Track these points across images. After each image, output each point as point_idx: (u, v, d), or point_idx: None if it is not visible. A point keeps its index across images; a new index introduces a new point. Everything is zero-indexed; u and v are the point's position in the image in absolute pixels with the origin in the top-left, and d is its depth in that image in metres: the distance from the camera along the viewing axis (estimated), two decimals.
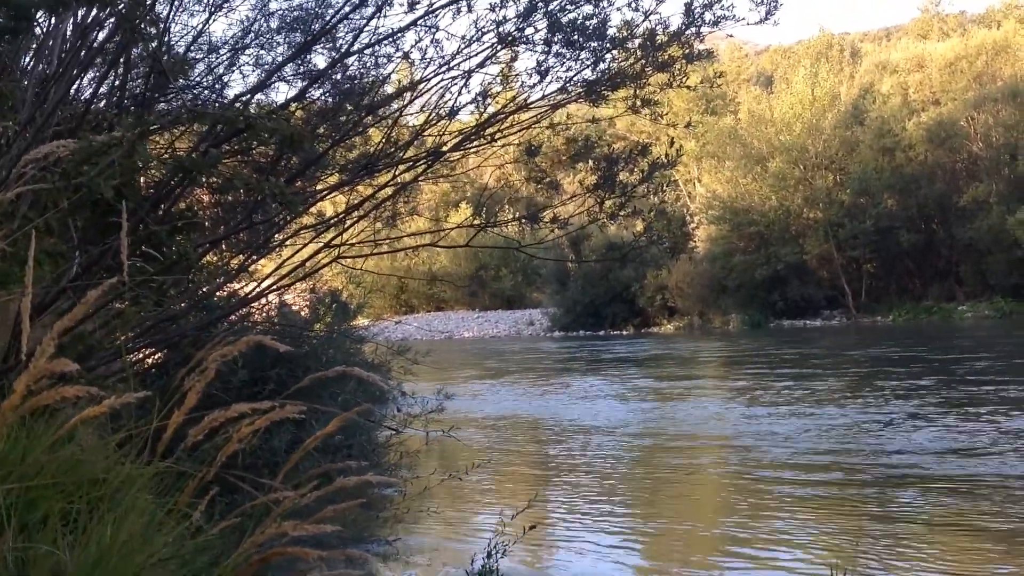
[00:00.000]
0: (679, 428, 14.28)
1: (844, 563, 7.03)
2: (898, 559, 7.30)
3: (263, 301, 6.33)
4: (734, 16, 5.61)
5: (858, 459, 11.03)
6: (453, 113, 5.54)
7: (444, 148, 5.81)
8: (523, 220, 5.90)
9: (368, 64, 5.93)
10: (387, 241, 7.28)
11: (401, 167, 6.03)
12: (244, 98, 5.26)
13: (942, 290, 36.81)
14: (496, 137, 5.93)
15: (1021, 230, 31.92)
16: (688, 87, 5.72)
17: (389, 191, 6.14)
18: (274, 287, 5.82)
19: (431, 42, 5.44)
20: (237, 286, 6.22)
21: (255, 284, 6.31)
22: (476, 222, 6.05)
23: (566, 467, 12.16)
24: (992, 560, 7.22)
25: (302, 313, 7.83)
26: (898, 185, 37.24)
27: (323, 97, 6.01)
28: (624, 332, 40.76)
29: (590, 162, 5.62)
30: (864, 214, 37.06)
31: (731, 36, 6.07)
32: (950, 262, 37.60)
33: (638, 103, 5.83)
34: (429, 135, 6.10)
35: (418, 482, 7.09)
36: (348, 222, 5.89)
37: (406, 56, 5.50)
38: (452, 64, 5.65)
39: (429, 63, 5.73)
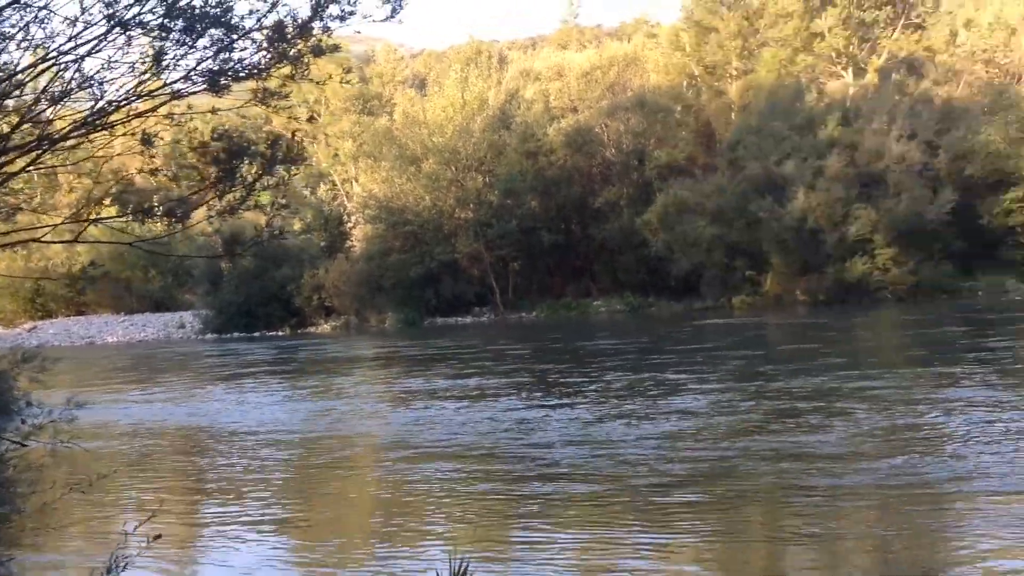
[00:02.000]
0: (331, 428, 14.41)
1: (486, 551, 7.51)
2: (529, 548, 7.91)
3: None
4: (357, 12, 5.85)
5: (505, 450, 11.74)
6: (61, 97, 5.29)
7: (57, 135, 5.53)
8: (135, 215, 5.73)
9: None
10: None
11: (12, 154, 5.66)
12: None
13: (579, 287, 39.96)
14: (115, 125, 5.74)
15: (647, 229, 35.49)
16: (315, 80, 5.88)
17: None
18: None
19: (35, 21, 5.17)
20: None
21: None
22: (91, 217, 5.80)
23: (208, 474, 11.89)
24: (615, 527, 8.08)
25: None
26: (540, 187, 39.71)
27: None
28: (280, 333, 40.18)
29: (209, 156, 5.60)
30: (510, 215, 39.19)
31: (359, 32, 6.28)
32: (586, 261, 40.85)
33: (266, 95, 5.90)
34: (47, 120, 5.77)
35: (39, 497, 6.69)
36: None
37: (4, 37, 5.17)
38: (62, 48, 5.41)
39: (37, 46, 5.44)
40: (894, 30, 41.31)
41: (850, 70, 41.81)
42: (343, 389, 19.30)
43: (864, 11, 40.84)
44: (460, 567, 5.04)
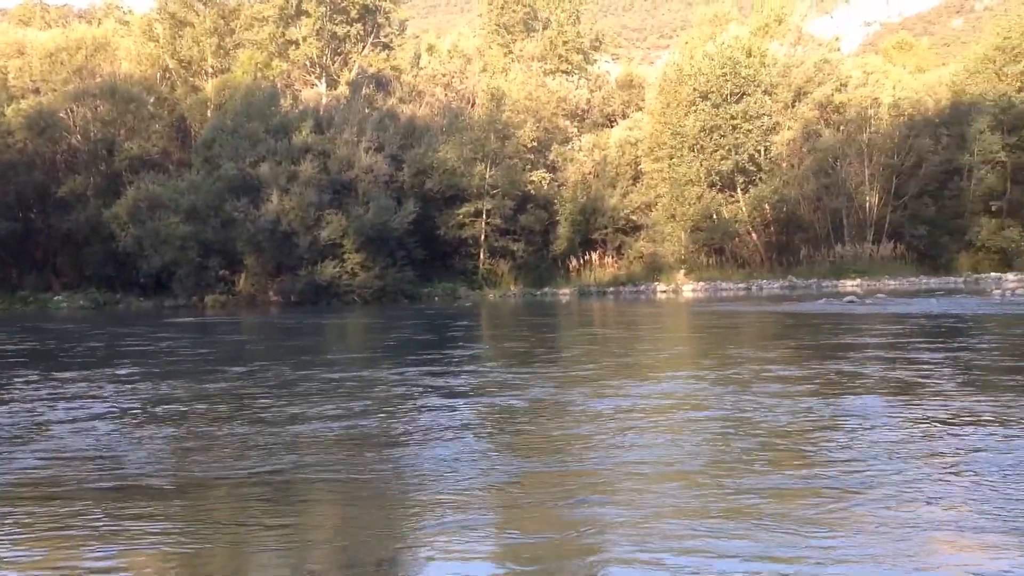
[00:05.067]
0: None
1: None
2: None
3: None
4: None
5: None
6: None
7: None
8: None
9: None
10: None
11: None
12: None
13: (39, 280, 37.42)
14: None
15: (116, 223, 34.37)
16: None
17: None
18: None
19: None
20: None
21: None
22: None
23: None
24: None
25: None
26: None
27: None
28: None
29: None
30: None
31: None
32: (48, 252, 38.38)
33: None
34: None
35: None
36: None
37: None
38: None
39: None
40: (364, 47, 44.66)
41: (323, 80, 44.35)
42: None
43: (336, 25, 43.64)
44: None
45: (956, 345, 10.92)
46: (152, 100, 40.75)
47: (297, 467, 5.11)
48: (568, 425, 6.16)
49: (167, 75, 43.52)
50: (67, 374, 10.23)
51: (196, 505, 4.37)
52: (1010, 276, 35.13)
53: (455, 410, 6.81)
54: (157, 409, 7.41)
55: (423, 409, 6.98)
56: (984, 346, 10.82)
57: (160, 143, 39.37)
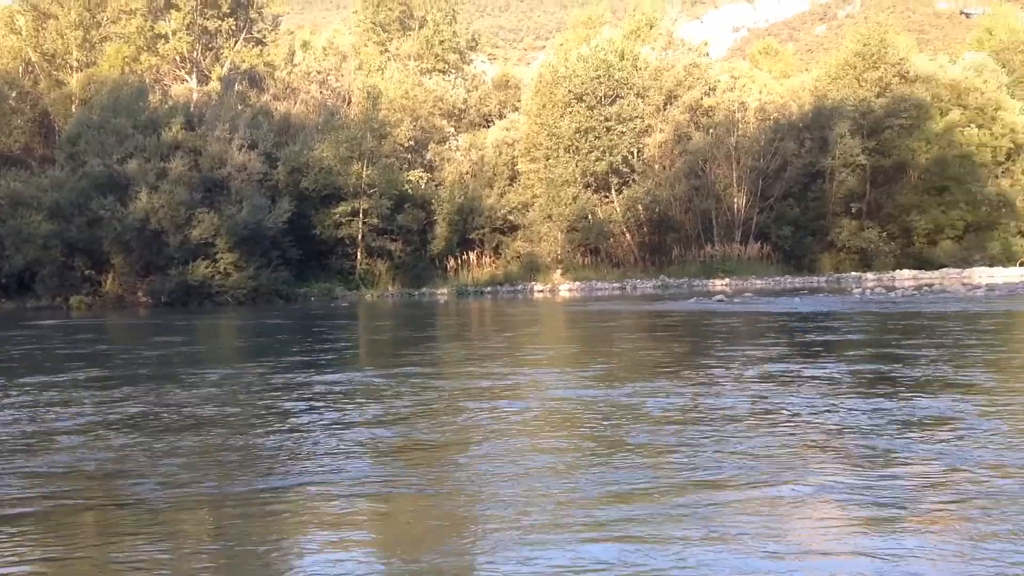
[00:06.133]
0: None
1: None
2: None
3: None
4: None
5: None
6: None
7: None
8: None
9: None
10: None
11: None
12: None
13: None
14: None
15: None
16: None
17: None
18: None
19: None
20: None
21: None
22: None
23: None
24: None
25: None
26: None
27: None
28: None
29: None
30: None
31: None
32: None
33: None
34: None
35: None
36: None
37: None
38: None
39: None
40: (237, 42, 44.08)
41: (194, 75, 43.61)
42: None
43: (207, 19, 42.97)
44: None
45: (797, 340, 11.79)
46: (14, 95, 39.45)
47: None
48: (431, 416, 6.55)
49: (30, 69, 42.13)
50: None
51: None
52: (869, 275, 37.18)
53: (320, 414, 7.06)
54: None
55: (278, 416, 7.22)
56: (831, 338, 11.72)
57: (22, 139, 38.19)
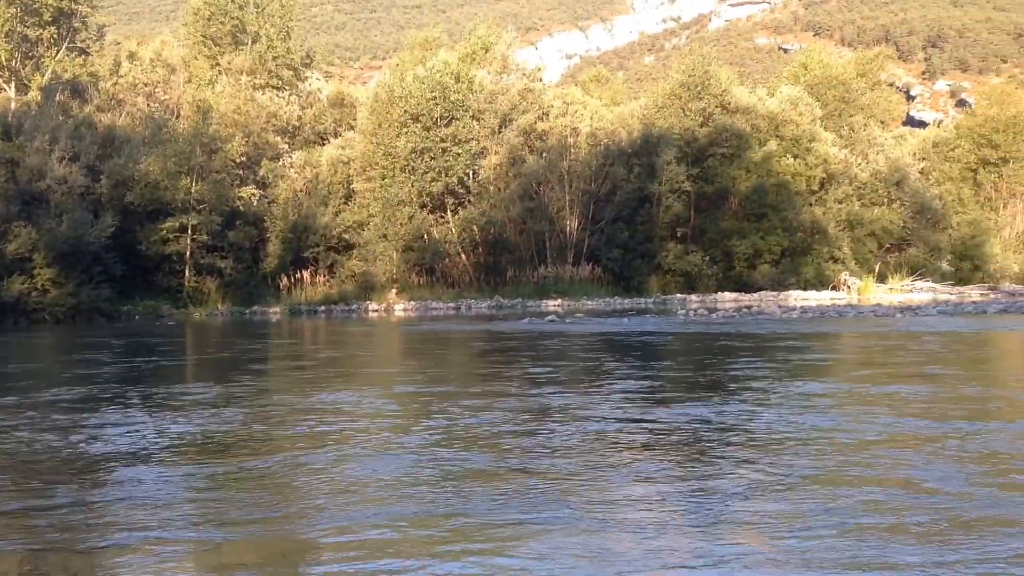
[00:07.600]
0: None
1: None
2: None
3: None
4: None
5: None
6: None
7: None
8: None
9: None
10: None
11: None
12: None
13: None
14: None
15: None
16: None
17: None
18: None
19: None
20: None
21: None
22: None
23: None
24: None
25: None
26: None
27: None
28: None
29: None
30: None
31: None
32: None
33: None
34: None
35: None
36: None
37: None
38: None
39: None
40: (59, 51, 42.67)
41: (13, 84, 41.94)
42: None
43: (28, 27, 41.46)
44: None
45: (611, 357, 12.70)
46: None
47: None
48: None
49: None
50: None
51: None
52: (693, 297, 38.99)
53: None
54: None
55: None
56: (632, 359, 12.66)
57: None
